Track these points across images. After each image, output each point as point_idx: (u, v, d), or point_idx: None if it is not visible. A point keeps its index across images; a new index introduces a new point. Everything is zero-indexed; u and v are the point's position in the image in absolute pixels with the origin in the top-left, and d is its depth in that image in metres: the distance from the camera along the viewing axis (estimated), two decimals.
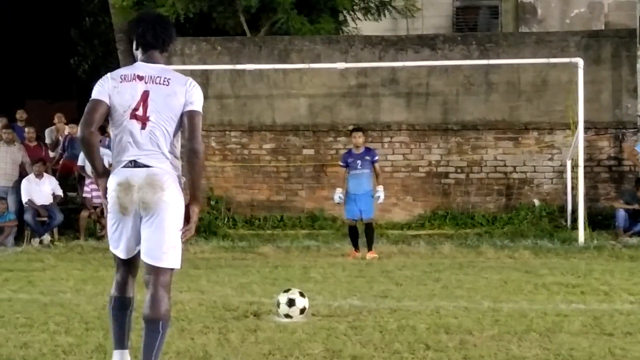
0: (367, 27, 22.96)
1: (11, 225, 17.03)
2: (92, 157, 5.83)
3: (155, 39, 5.89)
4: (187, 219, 5.76)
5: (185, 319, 8.52)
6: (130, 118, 5.70)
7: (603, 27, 23.22)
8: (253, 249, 15.21)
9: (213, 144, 19.47)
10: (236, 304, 9.31)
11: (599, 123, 18.63)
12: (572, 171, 17.50)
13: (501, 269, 12.37)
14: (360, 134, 15.08)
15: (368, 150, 15.01)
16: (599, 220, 17.48)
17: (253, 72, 19.01)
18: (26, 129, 19.50)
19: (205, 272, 12.23)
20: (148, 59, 5.90)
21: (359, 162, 14.76)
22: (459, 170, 19.13)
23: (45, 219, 17.13)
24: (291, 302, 8.45)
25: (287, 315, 8.41)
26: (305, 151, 19.40)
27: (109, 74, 5.87)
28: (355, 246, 14.72)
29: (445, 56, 18.87)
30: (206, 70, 19.11)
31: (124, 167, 5.71)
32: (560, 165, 18.57)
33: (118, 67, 23.25)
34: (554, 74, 18.65)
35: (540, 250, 14.62)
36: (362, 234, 14.78)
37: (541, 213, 18.28)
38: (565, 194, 17.92)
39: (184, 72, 19.20)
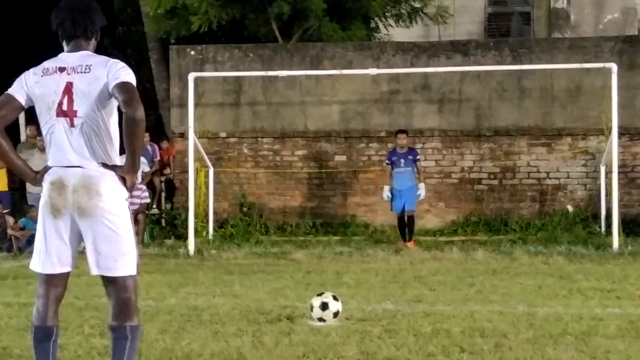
0: (399, 34, 22.98)
1: None
2: (4, 155, 5.34)
3: (74, 27, 5.35)
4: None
5: (219, 322, 8.52)
6: (57, 115, 5.23)
7: (637, 32, 23.09)
8: (286, 255, 15.20)
9: (245, 150, 19.52)
10: (270, 307, 9.31)
11: (633, 128, 18.51)
12: (605, 177, 17.36)
13: (535, 275, 12.28)
14: (404, 135, 16.91)
15: (411, 150, 16.88)
16: (634, 226, 17.35)
17: (285, 79, 19.04)
18: None
19: (239, 278, 12.23)
20: (73, 49, 5.37)
21: (402, 160, 16.56)
22: (492, 177, 19.06)
23: None
24: (325, 306, 8.42)
25: (321, 319, 8.38)
26: (337, 157, 19.40)
27: (32, 69, 5.40)
28: (404, 236, 16.54)
29: (478, 62, 18.80)
30: (239, 77, 19.18)
31: (57, 167, 5.27)
32: (594, 171, 18.46)
33: (151, 76, 23.58)
34: (587, 80, 18.55)
35: (575, 256, 14.50)
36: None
37: (575, 219, 18.16)
38: (599, 200, 17.78)
39: (216, 79, 19.26)
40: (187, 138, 16.78)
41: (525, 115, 18.95)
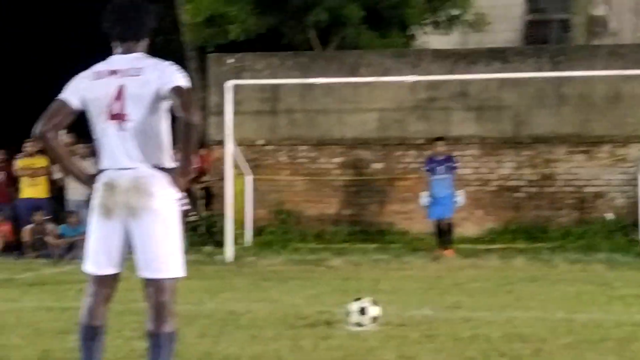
0: (437, 41, 22.94)
1: (84, 239, 17.20)
2: (59, 162, 5.49)
3: (124, 29, 5.32)
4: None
5: (257, 326, 8.54)
6: (109, 119, 5.19)
7: None
8: (323, 262, 15.20)
9: (283, 158, 19.55)
10: (307, 312, 9.31)
11: None
12: None
13: (574, 282, 12.20)
14: (442, 142, 17.02)
15: (449, 158, 16.83)
16: None
17: (322, 87, 19.05)
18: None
19: (276, 284, 12.26)
20: (124, 51, 5.33)
21: (440, 167, 16.57)
22: (530, 184, 18.96)
23: None
24: (363, 311, 8.39)
25: (359, 324, 8.36)
26: (374, 165, 19.39)
27: (83, 73, 5.36)
28: (441, 245, 16.44)
29: (516, 69, 18.70)
30: (276, 85, 19.23)
31: (110, 170, 5.25)
32: (634, 179, 18.29)
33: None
34: (627, 87, 18.42)
35: (615, 264, 14.39)
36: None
37: (615, 227, 18.01)
38: (639, 207, 17.62)
39: (253, 87, 19.32)
40: (224, 145, 16.85)
41: (564, 123, 18.84)
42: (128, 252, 5.30)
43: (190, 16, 22.23)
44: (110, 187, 5.19)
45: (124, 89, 5.16)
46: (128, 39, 5.33)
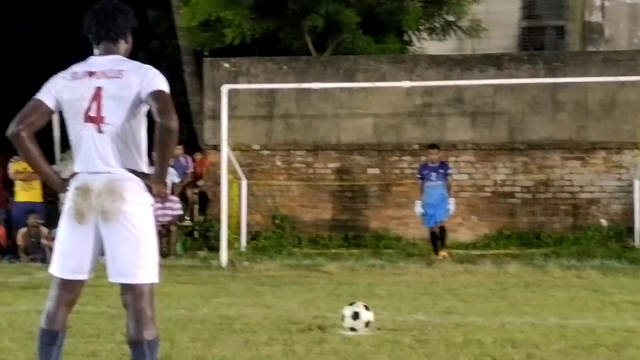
0: (432, 47, 22.97)
1: None
2: (32, 162, 5.25)
3: (98, 28, 5.25)
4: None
5: (251, 331, 8.53)
6: (85, 121, 5.10)
7: None
8: (318, 267, 15.19)
9: (278, 163, 19.57)
10: (301, 317, 9.31)
11: None
12: None
13: (568, 288, 12.20)
14: (435, 150, 16.93)
15: (443, 164, 16.81)
16: None
17: (318, 92, 19.08)
18: None
19: (270, 289, 12.24)
20: (103, 52, 5.27)
21: (433, 174, 16.51)
22: (525, 190, 19.00)
23: None
24: (356, 315, 8.41)
25: (352, 329, 8.37)
26: (370, 170, 19.41)
27: (61, 73, 5.27)
28: (436, 250, 16.53)
29: (512, 75, 18.75)
30: (272, 90, 19.25)
31: (84, 173, 5.15)
32: (629, 185, 18.34)
33: (185, 89, 23.72)
34: (622, 93, 18.47)
35: (608, 270, 14.38)
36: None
37: (609, 233, 18.05)
38: (634, 214, 17.66)
39: (249, 91, 19.33)
40: (220, 150, 16.87)
41: (559, 129, 18.87)
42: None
43: (186, 20, 22.23)
44: (84, 191, 5.09)
45: (102, 91, 5.10)
46: (104, 39, 5.27)
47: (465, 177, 18.91)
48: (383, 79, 19.00)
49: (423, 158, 17.89)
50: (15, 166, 17.63)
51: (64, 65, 5.38)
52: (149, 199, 5.17)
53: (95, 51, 5.32)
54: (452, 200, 16.62)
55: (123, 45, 5.33)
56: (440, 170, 16.59)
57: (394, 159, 19.32)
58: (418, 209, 16.75)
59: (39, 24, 31.82)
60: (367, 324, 8.41)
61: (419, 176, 16.89)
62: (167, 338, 7.99)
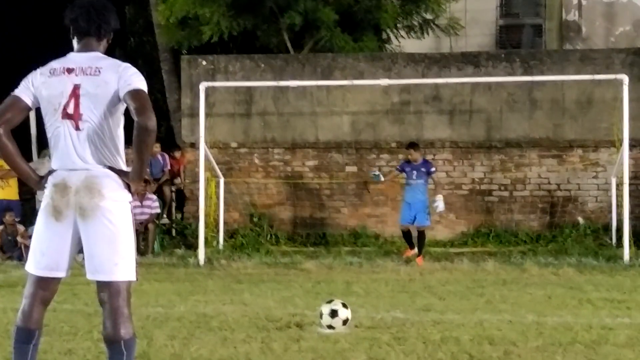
0: (410, 45, 23.02)
1: None
2: (9, 159, 5.21)
3: (88, 24, 5.21)
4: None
5: (228, 329, 8.53)
6: (63, 118, 5.08)
7: None
8: (296, 265, 15.19)
9: (256, 160, 19.53)
10: (279, 315, 9.31)
11: None
12: (617, 189, 17.31)
13: (545, 285, 12.26)
14: (414, 150, 16.15)
15: (425, 162, 16.26)
16: None
17: (296, 89, 19.04)
18: None
19: (248, 287, 12.24)
20: (83, 48, 5.24)
21: (414, 172, 16.00)
22: (502, 188, 19.03)
23: None
24: (334, 313, 8.42)
25: (330, 326, 8.38)
26: (348, 168, 19.40)
27: (39, 69, 5.24)
28: (410, 244, 16.02)
29: (489, 73, 18.79)
30: (250, 88, 19.19)
31: (61, 170, 5.14)
32: (605, 183, 18.42)
33: (162, 86, 23.64)
34: (598, 92, 18.53)
35: (585, 268, 14.46)
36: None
37: (586, 231, 18.10)
38: (610, 211, 17.74)
39: (227, 89, 19.25)
40: (197, 148, 16.84)
41: (536, 127, 18.92)
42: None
43: (163, 18, 22.16)
44: (61, 188, 5.07)
45: (80, 88, 5.08)
46: (90, 35, 5.25)
47: (442, 175, 18.86)
48: (361, 77, 18.97)
49: (401, 156, 17.85)
50: None
51: (42, 61, 5.35)
52: (127, 196, 5.16)
53: (75, 45, 5.28)
54: (439, 197, 16.11)
55: (104, 44, 5.33)
56: (422, 169, 15.98)
57: (371, 157, 19.31)
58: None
59: (18, 20, 31.63)
60: (344, 322, 8.43)
61: (399, 169, 16.33)
62: (144, 336, 7.98)
